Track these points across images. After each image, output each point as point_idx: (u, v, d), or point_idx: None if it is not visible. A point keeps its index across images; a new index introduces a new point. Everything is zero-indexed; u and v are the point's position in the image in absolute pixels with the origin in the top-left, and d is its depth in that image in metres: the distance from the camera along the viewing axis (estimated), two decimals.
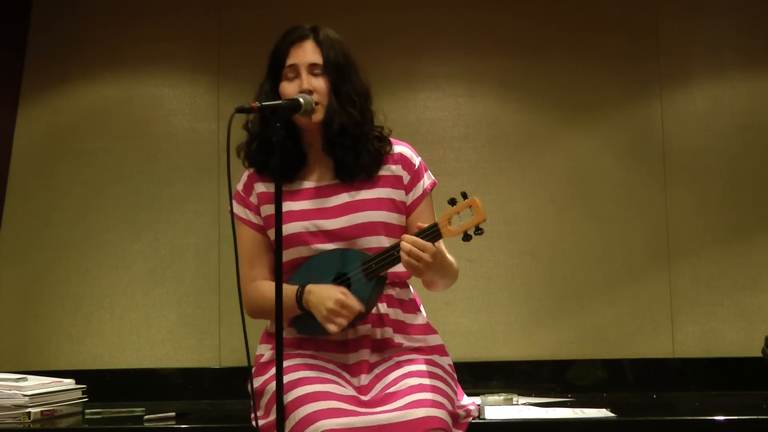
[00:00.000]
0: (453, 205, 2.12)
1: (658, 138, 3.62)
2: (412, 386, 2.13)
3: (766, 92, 3.62)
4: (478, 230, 2.11)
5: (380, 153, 2.33)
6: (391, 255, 2.16)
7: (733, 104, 3.62)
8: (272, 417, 2.17)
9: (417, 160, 2.38)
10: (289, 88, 2.29)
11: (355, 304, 2.14)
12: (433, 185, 2.40)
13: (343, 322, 2.13)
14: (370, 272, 2.19)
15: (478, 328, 3.57)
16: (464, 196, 2.12)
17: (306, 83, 2.26)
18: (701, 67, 3.64)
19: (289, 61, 2.29)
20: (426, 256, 2.09)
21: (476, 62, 3.69)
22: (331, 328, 2.14)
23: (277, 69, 2.32)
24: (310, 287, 2.20)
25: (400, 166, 2.35)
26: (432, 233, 2.13)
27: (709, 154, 3.60)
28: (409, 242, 2.10)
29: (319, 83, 2.28)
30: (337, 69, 2.29)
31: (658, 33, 3.66)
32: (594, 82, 3.65)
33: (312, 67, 2.28)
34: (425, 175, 2.39)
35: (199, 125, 3.72)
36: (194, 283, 3.64)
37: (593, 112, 3.65)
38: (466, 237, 2.12)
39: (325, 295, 2.15)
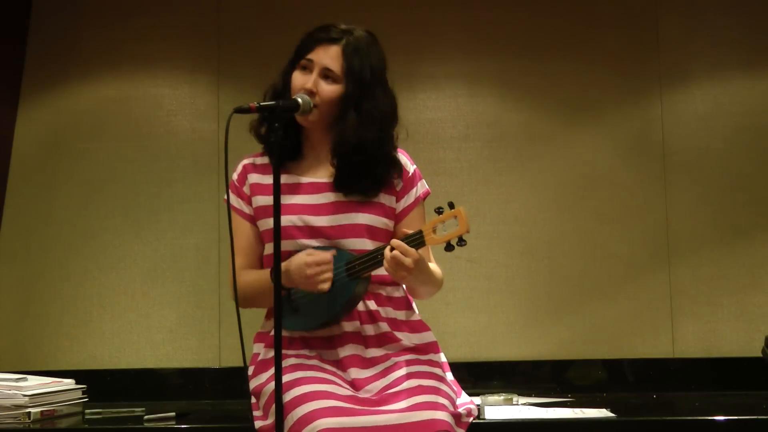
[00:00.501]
0: (439, 214, 2.13)
1: (658, 138, 3.62)
2: (413, 388, 2.13)
3: (766, 92, 3.62)
4: (461, 241, 2.11)
5: (383, 180, 2.31)
6: (375, 258, 2.17)
7: (733, 104, 3.62)
8: (271, 419, 2.17)
9: (411, 168, 2.38)
10: (297, 79, 2.29)
11: (324, 255, 2.17)
12: (427, 194, 2.40)
13: (327, 275, 2.16)
14: (352, 273, 2.20)
15: (478, 328, 3.57)
16: (451, 206, 2.12)
17: (311, 83, 2.27)
18: (701, 66, 3.64)
19: (309, 56, 2.29)
20: (408, 261, 2.10)
21: (476, 62, 3.69)
22: (323, 287, 2.16)
23: (297, 55, 2.32)
24: (283, 267, 2.19)
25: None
26: (416, 240, 2.13)
27: (709, 154, 3.60)
28: (394, 246, 2.11)
29: (325, 88, 2.27)
30: (357, 81, 2.28)
31: (658, 32, 3.66)
32: (594, 82, 3.65)
33: (325, 71, 2.28)
34: (419, 184, 2.39)
35: (199, 125, 3.72)
36: (194, 283, 3.64)
37: (593, 112, 3.65)
38: (449, 247, 2.12)
39: (298, 266, 2.17)
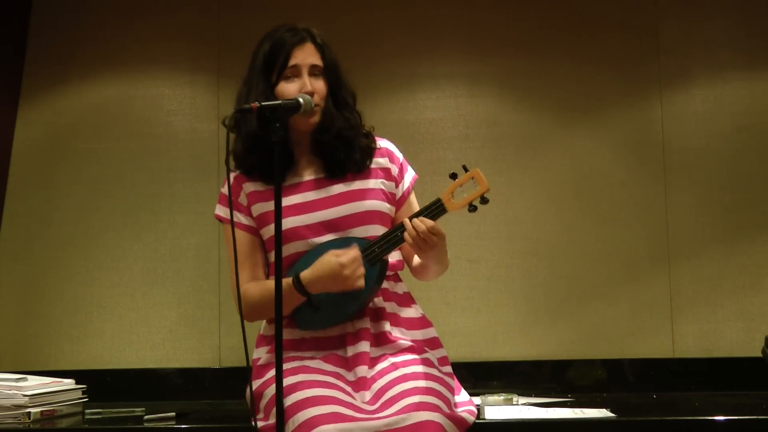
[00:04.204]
0: (455, 179, 2.12)
1: (658, 138, 3.62)
2: (407, 390, 2.13)
3: (766, 92, 3.62)
4: (484, 200, 2.11)
5: (369, 148, 2.37)
6: (395, 236, 2.17)
7: (733, 104, 3.62)
8: (272, 420, 2.16)
9: (400, 155, 2.44)
10: (289, 89, 2.29)
11: (353, 252, 2.17)
12: (415, 180, 2.45)
13: (361, 271, 2.16)
14: (373, 256, 2.20)
15: (478, 328, 3.57)
16: (465, 168, 2.12)
17: (309, 85, 2.28)
18: (701, 67, 3.64)
19: (292, 62, 2.30)
20: (422, 228, 2.11)
21: (476, 62, 3.69)
22: (360, 284, 2.16)
23: (273, 67, 2.31)
24: (303, 274, 2.20)
25: (387, 159, 2.39)
26: (436, 209, 2.13)
27: (709, 154, 3.60)
28: (412, 222, 2.13)
29: (319, 85, 2.31)
30: (334, 72, 2.34)
31: (658, 33, 3.66)
32: (594, 82, 3.65)
33: (313, 69, 2.31)
34: (409, 169, 2.44)
35: (199, 125, 3.72)
36: (194, 283, 3.64)
37: (593, 113, 3.66)
38: (472, 208, 2.12)
39: (328, 271, 2.16)
